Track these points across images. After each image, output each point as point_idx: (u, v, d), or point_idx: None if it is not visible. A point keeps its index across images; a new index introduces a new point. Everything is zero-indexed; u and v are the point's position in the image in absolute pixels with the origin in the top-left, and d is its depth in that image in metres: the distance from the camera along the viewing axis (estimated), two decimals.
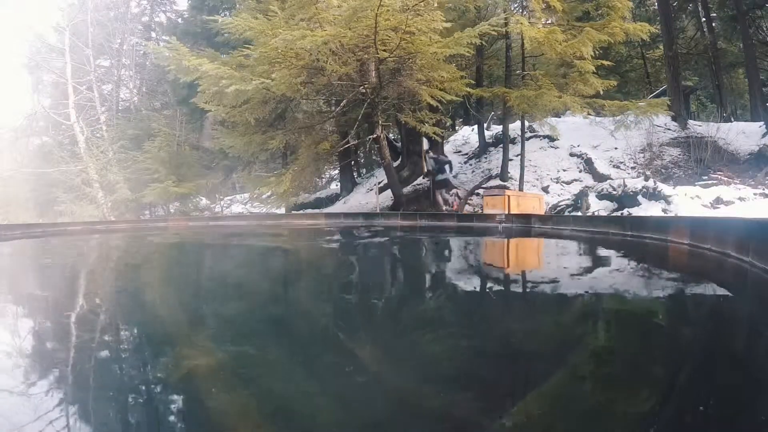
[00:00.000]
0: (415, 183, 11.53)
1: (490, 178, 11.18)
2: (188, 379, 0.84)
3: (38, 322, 1.37)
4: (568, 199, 9.41)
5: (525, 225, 4.53)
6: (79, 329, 1.23)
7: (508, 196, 7.16)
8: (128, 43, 19.59)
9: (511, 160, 10.81)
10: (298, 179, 9.41)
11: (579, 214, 8.28)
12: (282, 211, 11.42)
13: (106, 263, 2.61)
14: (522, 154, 9.91)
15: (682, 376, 0.87)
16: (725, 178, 9.19)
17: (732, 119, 12.73)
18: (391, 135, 14.36)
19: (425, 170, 10.94)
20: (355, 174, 15.00)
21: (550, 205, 9.39)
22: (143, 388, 0.85)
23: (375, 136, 8.62)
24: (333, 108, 9.48)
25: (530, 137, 11.68)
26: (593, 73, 8.78)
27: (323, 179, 17.50)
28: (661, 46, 13.80)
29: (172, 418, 0.75)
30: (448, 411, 0.74)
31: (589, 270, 2.33)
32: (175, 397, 0.82)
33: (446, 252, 3.16)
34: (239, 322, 1.32)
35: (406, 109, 8.70)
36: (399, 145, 13.18)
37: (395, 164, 10.84)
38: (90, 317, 1.39)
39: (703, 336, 1.18)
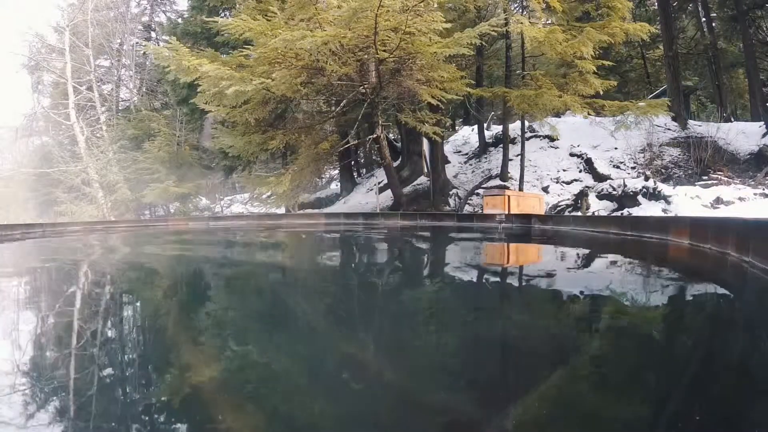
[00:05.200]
0: (415, 183, 11.53)
1: (490, 178, 11.18)
2: None
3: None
4: (568, 199, 9.43)
5: (525, 225, 4.54)
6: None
7: (508, 196, 7.16)
8: (128, 43, 19.58)
9: (511, 160, 10.81)
10: (298, 179, 9.40)
11: (579, 214, 8.29)
12: (282, 210, 11.43)
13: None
14: (522, 154, 9.91)
15: (681, 378, 0.87)
16: (725, 178, 9.20)
17: (732, 119, 12.72)
18: (391, 135, 14.37)
19: (425, 170, 10.96)
20: (355, 174, 15.00)
21: (550, 205, 9.40)
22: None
23: (375, 136, 8.62)
24: (333, 108, 9.47)
25: (530, 137, 11.68)
26: (593, 73, 8.77)
27: (323, 179, 17.49)
28: (661, 46, 13.78)
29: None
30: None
31: (587, 269, 2.32)
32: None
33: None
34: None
35: (406, 109, 8.70)
36: (399, 145, 13.19)
37: (395, 164, 10.84)
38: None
39: (702, 336, 1.18)
